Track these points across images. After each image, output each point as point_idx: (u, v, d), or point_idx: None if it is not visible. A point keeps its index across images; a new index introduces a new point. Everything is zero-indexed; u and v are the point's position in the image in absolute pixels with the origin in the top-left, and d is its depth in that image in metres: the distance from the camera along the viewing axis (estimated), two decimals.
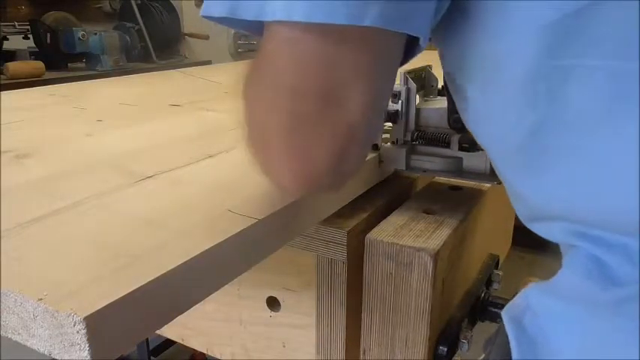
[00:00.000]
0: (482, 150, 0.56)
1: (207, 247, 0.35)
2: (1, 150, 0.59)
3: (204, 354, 0.70)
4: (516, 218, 0.42)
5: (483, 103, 0.37)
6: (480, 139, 0.41)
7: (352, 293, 0.55)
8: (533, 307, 0.39)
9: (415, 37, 0.33)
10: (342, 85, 0.32)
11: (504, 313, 0.41)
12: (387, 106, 0.37)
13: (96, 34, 2.41)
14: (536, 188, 0.37)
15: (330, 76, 0.32)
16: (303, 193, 0.39)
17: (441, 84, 0.61)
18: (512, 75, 0.33)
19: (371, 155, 0.59)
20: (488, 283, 0.71)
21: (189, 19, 3.06)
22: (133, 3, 2.69)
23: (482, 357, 0.53)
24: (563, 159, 0.34)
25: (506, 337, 0.39)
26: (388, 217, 0.57)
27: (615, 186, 0.32)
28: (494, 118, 0.37)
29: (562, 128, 0.33)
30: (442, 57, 0.40)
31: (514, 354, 0.39)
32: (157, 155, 0.58)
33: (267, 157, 0.36)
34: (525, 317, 0.39)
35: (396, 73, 0.36)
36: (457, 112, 0.46)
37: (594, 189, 0.33)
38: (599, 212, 0.34)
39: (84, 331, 0.27)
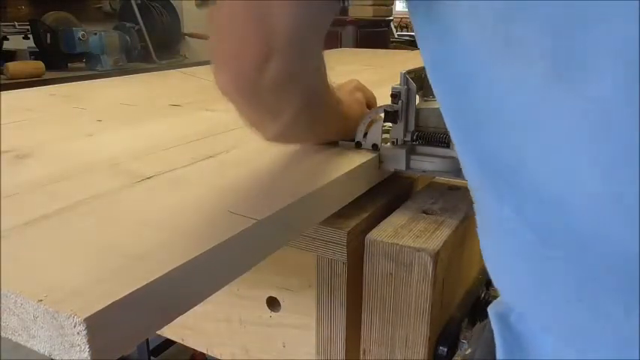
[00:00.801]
0: None
1: (207, 248, 0.35)
2: (1, 150, 0.59)
3: (204, 354, 0.70)
4: None
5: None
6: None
7: (352, 293, 0.55)
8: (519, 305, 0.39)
9: None
10: (268, 5, 0.37)
11: (490, 309, 0.41)
12: (318, 43, 0.43)
13: (96, 34, 2.41)
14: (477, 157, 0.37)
15: (262, 3, 0.38)
16: (233, 95, 0.44)
17: None
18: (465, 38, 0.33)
19: (371, 155, 0.59)
20: (488, 283, 0.71)
21: (189, 19, 3.06)
22: (133, 3, 2.69)
23: (469, 351, 0.53)
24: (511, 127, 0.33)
25: (492, 332, 0.40)
26: (388, 218, 0.57)
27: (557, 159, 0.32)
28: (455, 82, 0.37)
29: (521, 100, 0.32)
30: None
31: (499, 352, 0.39)
32: (157, 155, 0.58)
33: (212, 62, 0.43)
34: (512, 315, 0.39)
35: (326, 15, 0.41)
36: None
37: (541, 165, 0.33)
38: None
39: (84, 332, 0.27)
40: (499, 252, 0.39)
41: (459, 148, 0.39)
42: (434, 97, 0.62)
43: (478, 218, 0.41)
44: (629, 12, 0.27)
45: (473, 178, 0.40)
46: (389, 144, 0.61)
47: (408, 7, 0.38)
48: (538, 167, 0.33)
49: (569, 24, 0.29)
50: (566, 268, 0.33)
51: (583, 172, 0.31)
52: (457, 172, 0.60)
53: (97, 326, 0.28)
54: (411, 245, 0.51)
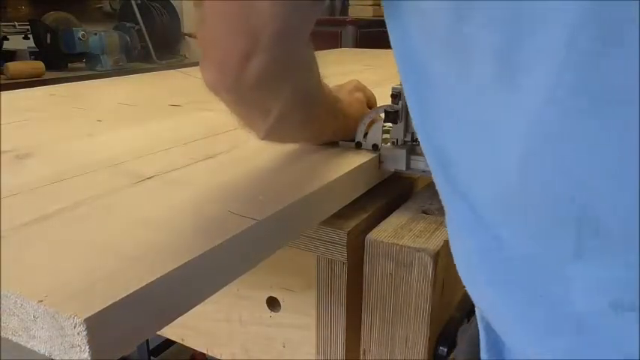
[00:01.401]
0: None
1: (207, 248, 0.36)
2: (1, 150, 0.59)
3: (204, 354, 0.70)
4: None
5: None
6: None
7: (352, 293, 0.55)
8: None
9: None
10: (252, 5, 0.38)
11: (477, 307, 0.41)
12: (302, 43, 0.43)
13: (96, 34, 2.41)
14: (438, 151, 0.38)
15: (246, 3, 0.38)
16: (220, 92, 0.44)
17: None
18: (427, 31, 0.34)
19: (371, 156, 0.59)
20: None
21: (189, 19, 3.06)
22: (133, 3, 2.69)
23: (458, 347, 0.53)
24: (467, 126, 0.34)
25: (477, 330, 0.40)
26: (388, 218, 0.57)
27: (502, 157, 0.32)
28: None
29: (467, 97, 0.33)
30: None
31: (483, 350, 0.39)
32: (157, 156, 0.58)
33: (200, 59, 0.43)
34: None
35: (310, 15, 0.41)
36: None
37: (488, 162, 0.33)
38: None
39: (84, 333, 0.27)
40: (464, 255, 0.39)
41: (422, 145, 0.40)
42: None
43: (447, 221, 0.41)
44: (567, 18, 0.27)
45: (435, 180, 0.40)
46: (389, 144, 0.61)
47: (383, 7, 0.38)
48: (484, 165, 0.33)
49: (516, 26, 0.29)
50: (527, 269, 0.33)
51: (513, 172, 0.31)
52: None
53: (97, 326, 0.28)
54: (411, 245, 0.51)
